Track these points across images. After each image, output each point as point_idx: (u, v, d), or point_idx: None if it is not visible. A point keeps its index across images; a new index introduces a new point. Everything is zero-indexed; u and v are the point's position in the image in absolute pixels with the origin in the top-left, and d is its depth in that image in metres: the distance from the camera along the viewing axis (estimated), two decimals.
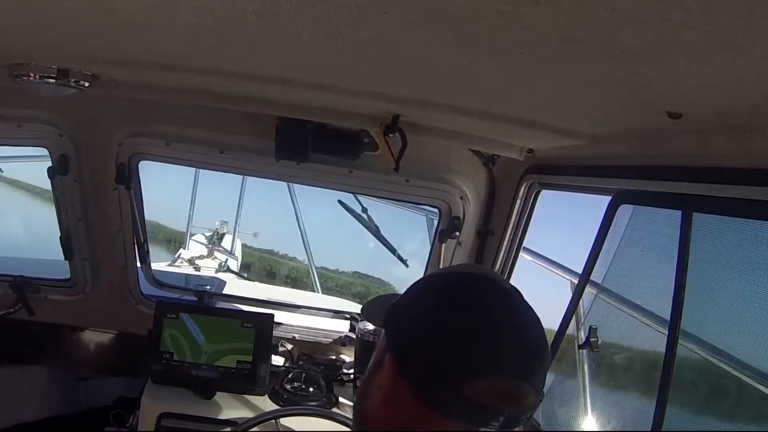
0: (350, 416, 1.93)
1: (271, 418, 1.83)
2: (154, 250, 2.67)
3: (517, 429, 0.75)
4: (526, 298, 0.81)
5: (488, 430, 0.73)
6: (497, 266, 2.21)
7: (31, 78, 1.58)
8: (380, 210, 3.43)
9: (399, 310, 0.82)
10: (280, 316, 2.39)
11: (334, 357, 2.59)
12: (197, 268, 4.67)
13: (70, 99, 1.86)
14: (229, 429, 1.94)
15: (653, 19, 0.64)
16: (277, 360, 2.43)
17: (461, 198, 2.29)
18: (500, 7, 0.67)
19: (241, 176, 4.79)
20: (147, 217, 2.48)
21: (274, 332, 2.30)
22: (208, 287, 3.23)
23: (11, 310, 2.47)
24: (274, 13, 0.83)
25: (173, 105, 2.12)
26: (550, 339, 1.93)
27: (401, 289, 0.93)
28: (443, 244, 2.41)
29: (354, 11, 0.77)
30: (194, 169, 4.62)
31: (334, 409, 2.14)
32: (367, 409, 0.81)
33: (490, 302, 0.76)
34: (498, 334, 0.74)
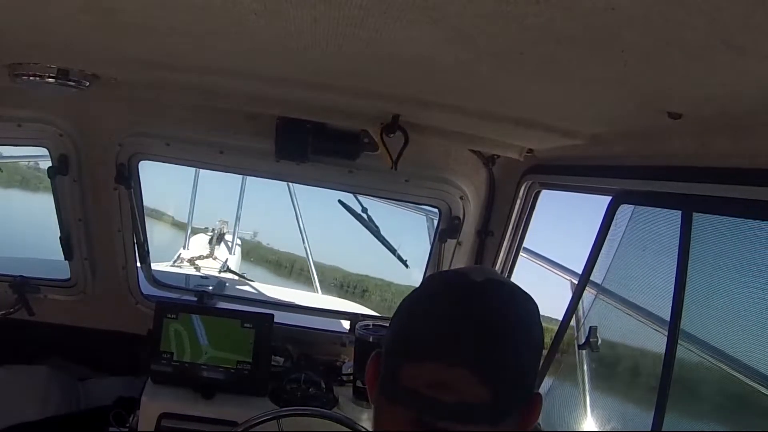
0: (350, 416, 1.93)
1: (271, 419, 1.83)
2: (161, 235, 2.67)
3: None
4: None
5: (439, 421, 0.69)
6: (497, 266, 2.21)
7: (31, 78, 1.58)
8: (380, 210, 3.43)
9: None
10: (280, 316, 2.39)
11: (334, 357, 2.59)
12: (197, 268, 4.67)
13: (70, 99, 1.86)
14: (229, 429, 1.94)
15: (653, 19, 0.64)
16: (277, 360, 2.43)
17: (461, 198, 2.29)
18: (500, 7, 0.67)
19: (241, 176, 4.80)
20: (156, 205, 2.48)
21: (274, 332, 2.30)
22: (208, 287, 3.23)
23: (11, 310, 2.47)
24: (274, 13, 0.83)
25: (173, 105, 2.12)
26: (549, 339, 1.92)
27: None
28: (443, 244, 2.41)
29: (354, 11, 0.77)
30: (194, 168, 4.62)
31: (334, 409, 2.14)
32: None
33: (440, 293, 0.75)
34: (432, 320, 0.72)
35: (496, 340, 0.71)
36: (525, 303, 0.76)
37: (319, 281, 5.06)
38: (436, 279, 0.82)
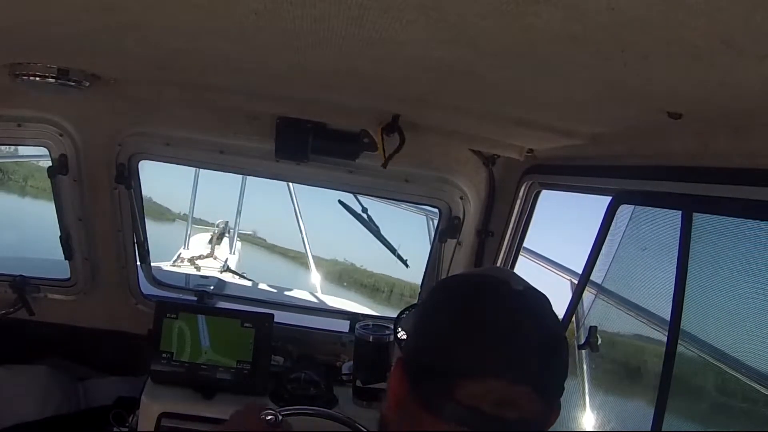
0: (350, 416, 1.93)
1: None
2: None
3: None
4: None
5: None
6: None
7: (31, 78, 1.58)
8: (380, 210, 3.43)
9: (410, 314, 0.82)
10: (280, 316, 2.39)
11: (334, 357, 2.59)
12: (197, 268, 4.67)
13: (70, 99, 1.86)
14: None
15: (653, 19, 0.64)
16: (277, 360, 2.43)
17: (461, 198, 2.29)
18: (500, 7, 0.67)
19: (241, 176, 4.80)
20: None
21: (274, 332, 2.30)
22: (209, 287, 3.23)
23: (11, 309, 2.47)
24: (274, 13, 0.83)
25: (173, 105, 2.12)
26: None
27: None
28: (443, 244, 2.41)
29: (354, 11, 0.76)
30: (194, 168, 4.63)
31: (334, 409, 2.14)
32: (382, 411, 0.82)
33: (491, 304, 0.73)
34: (494, 336, 0.70)
35: (552, 354, 0.72)
36: (551, 307, 0.77)
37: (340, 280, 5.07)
38: (471, 287, 0.78)
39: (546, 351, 0.72)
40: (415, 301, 2.71)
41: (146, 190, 2.40)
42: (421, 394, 0.73)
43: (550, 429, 0.74)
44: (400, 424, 0.77)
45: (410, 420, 0.74)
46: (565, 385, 0.76)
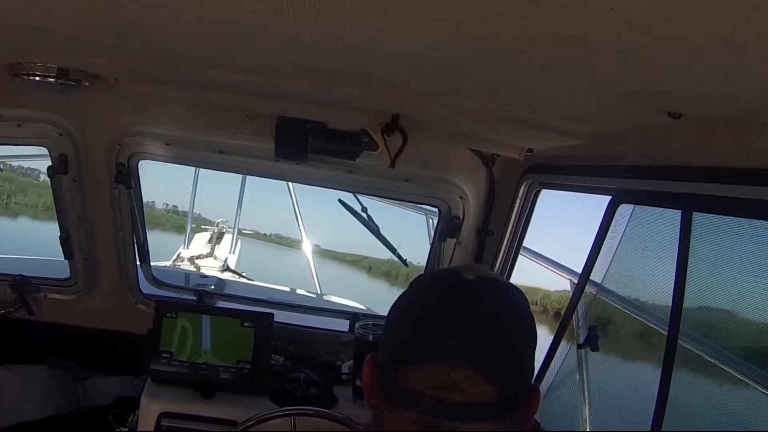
0: (349, 416, 1.93)
1: (271, 418, 1.84)
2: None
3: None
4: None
5: (445, 421, 0.69)
6: (497, 266, 2.21)
7: (31, 78, 1.58)
8: (380, 210, 3.43)
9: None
10: (279, 315, 2.39)
11: (333, 356, 2.59)
12: (197, 267, 4.67)
13: (70, 99, 1.86)
14: (228, 429, 1.94)
15: (653, 19, 0.64)
16: (277, 359, 2.43)
17: (461, 198, 2.29)
18: (500, 7, 0.67)
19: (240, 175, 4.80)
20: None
21: (274, 332, 2.30)
22: (208, 287, 3.23)
23: (11, 309, 2.47)
24: (274, 13, 0.83)
25: (173, 105, 2.12)
26: (549, 337, 1.93)
27: None
28: (443, 244, 2.41)
29: (354, 10, 0.77)
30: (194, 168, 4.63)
31: (334, 409, 2.14)
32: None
33: (435, 293, 0.75)
34: (431, 321, 0.72)
35: (495, 337, 0.72)
36: (516, 297, 0.77)
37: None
38: (427, 279, 0.82)
39: (486, 333, 0.72)
40: None
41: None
42: (379, 384, 0.76)
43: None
44: (374, 417, 0.79)
45: (377, 412, 0.77)
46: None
